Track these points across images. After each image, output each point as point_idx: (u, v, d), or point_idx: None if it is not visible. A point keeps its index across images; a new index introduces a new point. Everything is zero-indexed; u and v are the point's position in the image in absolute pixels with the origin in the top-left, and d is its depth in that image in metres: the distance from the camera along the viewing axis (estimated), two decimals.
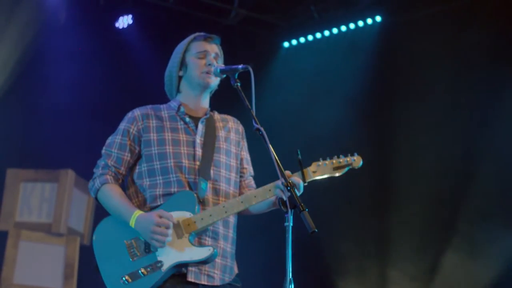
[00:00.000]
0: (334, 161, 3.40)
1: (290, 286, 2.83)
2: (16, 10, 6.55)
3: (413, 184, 7.12)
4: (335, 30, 7.66)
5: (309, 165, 3.39)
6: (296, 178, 3.28)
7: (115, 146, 3.47)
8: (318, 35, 7.79)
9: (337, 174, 3.41)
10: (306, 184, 3.32)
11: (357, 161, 3.41)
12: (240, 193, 3.56)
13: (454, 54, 6.93)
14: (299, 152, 3.23)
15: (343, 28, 7.60)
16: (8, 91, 6.71)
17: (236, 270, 3.52)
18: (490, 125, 6.71)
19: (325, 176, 3.40)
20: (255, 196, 3.34)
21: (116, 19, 7.61)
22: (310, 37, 7.84)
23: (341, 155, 3.40)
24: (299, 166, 3.30)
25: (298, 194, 3.24)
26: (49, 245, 6.89)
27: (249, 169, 3.67)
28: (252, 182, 3.65)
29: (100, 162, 3.49)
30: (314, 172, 3.38)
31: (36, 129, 7.07)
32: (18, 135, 6.92)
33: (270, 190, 3.32)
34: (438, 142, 7.06)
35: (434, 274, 6.83)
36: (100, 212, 7.02)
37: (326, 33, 7.73)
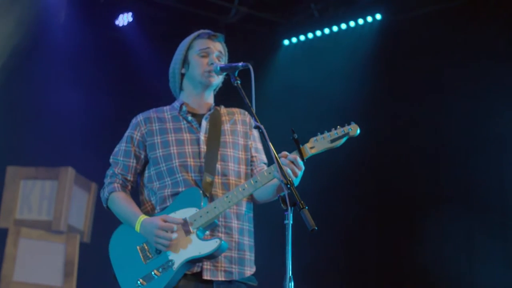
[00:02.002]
0: (330, 133, 3.31)
1: (290, 284, 2.83)
2: (16, 9, 6.54)
3: (412, 186, 7.16)
4: (335, 28, 7.65)
5: (307, 141, 3.33)
6: (293, 155, 3.24)
7: (120, 154, 3.54)
8: (318, 33, 7.78)
9: (335, 146, 3.32)
10: (304, 161, 3.27)
11: (353, 129, 3.32)
12: None
13: (455, 52, 6.93)
14: (293, 131, 3.18)
15: (343, 26, 7.59)
16: (7, 88, 6.71)
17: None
18: (491, 124, 6.71)
19: (324, 150, 3.32)
20: (256, 181, 3.32)
21: (116, 17, 7.60)
22: (310, 35, 7.84)
23: (338, 126, 3.33)
24: (296, 145, 3.25)
25: (299, 171, 3.22)
26: (49, 243, 6.89)
27: (259, 157, 3.62)
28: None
29: (109, 172, 3.56)
30: (311, 148, 3.30)
31: (36, 127, 7.07)
32: (18, 132, 6.92)
33: (270, 173, 3.30)
34: (437, 141, 7.07)
35: None
36: (100, 210, 7.05)
37: (326, 31, 7.72)
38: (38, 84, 7.06)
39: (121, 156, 3.53)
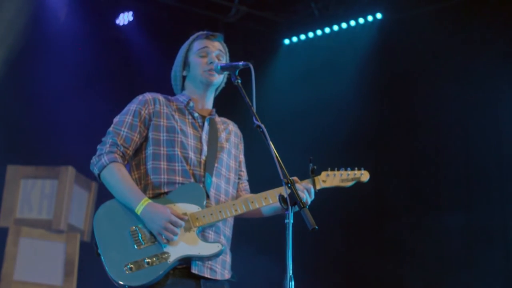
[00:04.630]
0: (342, 173, 3.53)
1: (290, 283, 2.83)
2: (16, 7, 6.54)
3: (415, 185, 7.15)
4: (335, 27, 7.65)
5: (319, 173, 3.49)
6: (308, 185, 3.39)
7: (125, 125, 3.41)
8: (319, 32, 7.78)
9: (345, 186, 3.55)
10: (316, 192, 3.43)
11: (364, 176, 3.58)
12: (237, 195, 3.60)
13: (455, 50, 6.92)
14: (311, 161, 3.35)
15: (344, 25, 7.59)
16: (8, 87, 6.70)
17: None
18: (491, 122, 6.70)
19: (333, 186, 3.54)
20: (265, 198, 3.38)
21: (117, 16, 7.61)
22: (310, 34, 7.84)
23: (348, 168, 3.54)
24: (311, 175, 3.41)
25: (310, 200, 3.37)
26: (50, 242, 6.88)
27: (245, 172, 3.73)
28: (248, 187, 3.71)
29: (107, 140, 3.40)
30: (323, 181, 3.50)
31: (36, 126, 7.07)
32: (18, 131, 6.92)
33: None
34: (438, 140, 7.06)
35: None
36: None
37: (327, 30, 7.72)
38: (38, 83, 7.06)
39: (126, 128, 3.39)
